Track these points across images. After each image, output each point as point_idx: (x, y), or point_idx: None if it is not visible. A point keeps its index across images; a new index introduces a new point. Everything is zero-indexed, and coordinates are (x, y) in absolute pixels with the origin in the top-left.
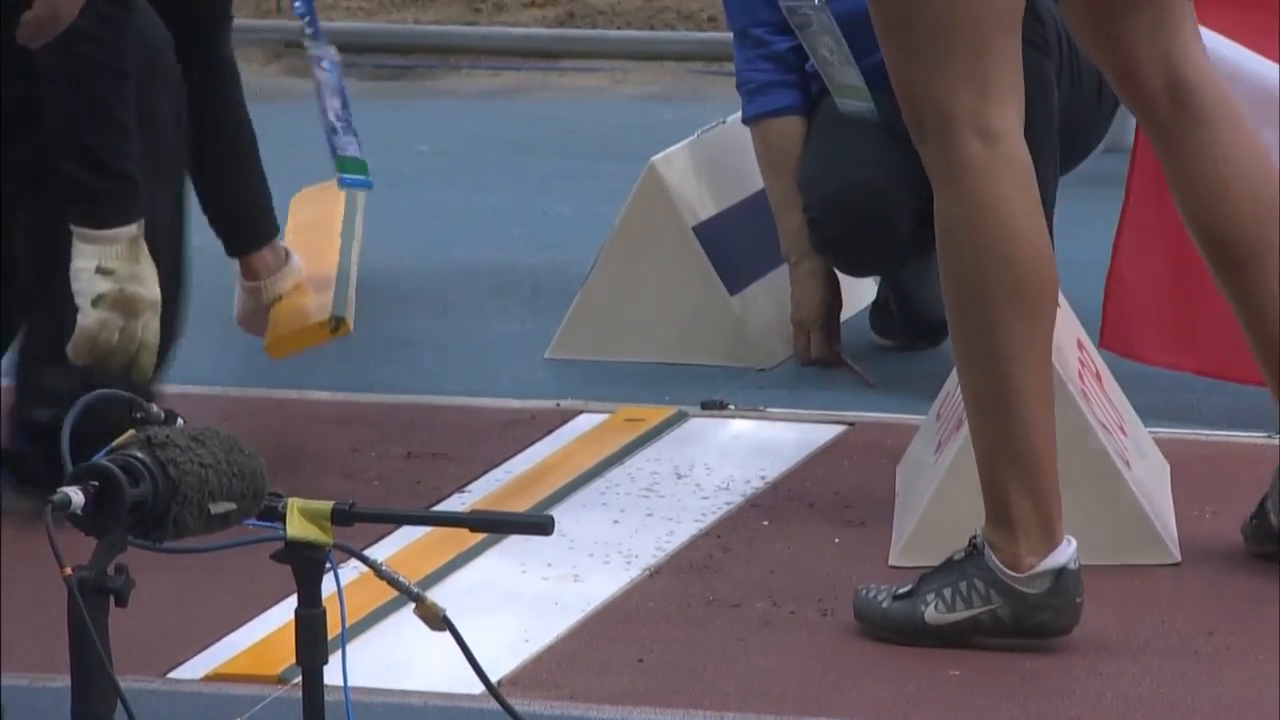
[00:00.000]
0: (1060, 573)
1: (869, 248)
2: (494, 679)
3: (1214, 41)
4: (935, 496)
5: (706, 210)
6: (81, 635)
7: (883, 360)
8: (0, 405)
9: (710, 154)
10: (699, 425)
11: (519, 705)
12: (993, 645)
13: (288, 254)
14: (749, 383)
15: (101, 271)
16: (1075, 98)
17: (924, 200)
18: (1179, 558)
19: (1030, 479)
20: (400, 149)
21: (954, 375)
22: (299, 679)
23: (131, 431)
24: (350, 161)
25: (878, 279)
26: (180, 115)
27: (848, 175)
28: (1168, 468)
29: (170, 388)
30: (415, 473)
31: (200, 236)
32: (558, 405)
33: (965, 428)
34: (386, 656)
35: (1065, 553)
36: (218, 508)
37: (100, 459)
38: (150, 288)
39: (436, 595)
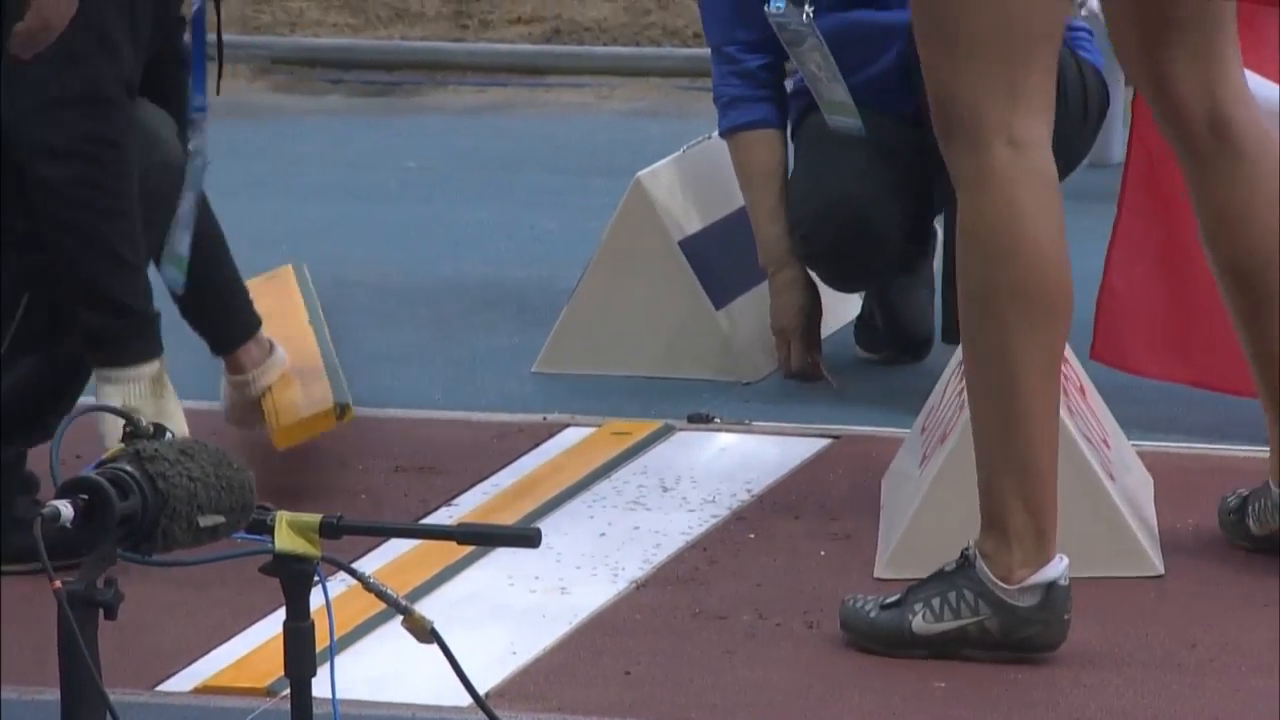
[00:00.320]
0: (1051, 587)
1: (858, 262)
2: (481, 691)
3: None
4: (920, 509)
5: (692, 225)
6: (71, 648)
7: (867, 374)
8: None
9: (696, 169)
10: (685, 439)
11: (506, 717)
12: (979, 657)
13: (271, 345)
14: (734, 396)
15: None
16: (1062, 114)
17: (911, 216)
18: (1162, 570)
19: (1030, 491)
20: (387, 165)
21: (939, 389)
22: (287, 691)
23: (120, 445)
24: (175, 258)
25: (863, 294)
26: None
27: (837, 190)
28: (1151, 480)
29: None
30: (403, 486)
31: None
32: (544, 419)
33: (950, 441)
34: (375, 669)
35: (1057, 568)
36: (206, 521)
37: (89, 472)
38: (177, 424)
39: (424, 608)
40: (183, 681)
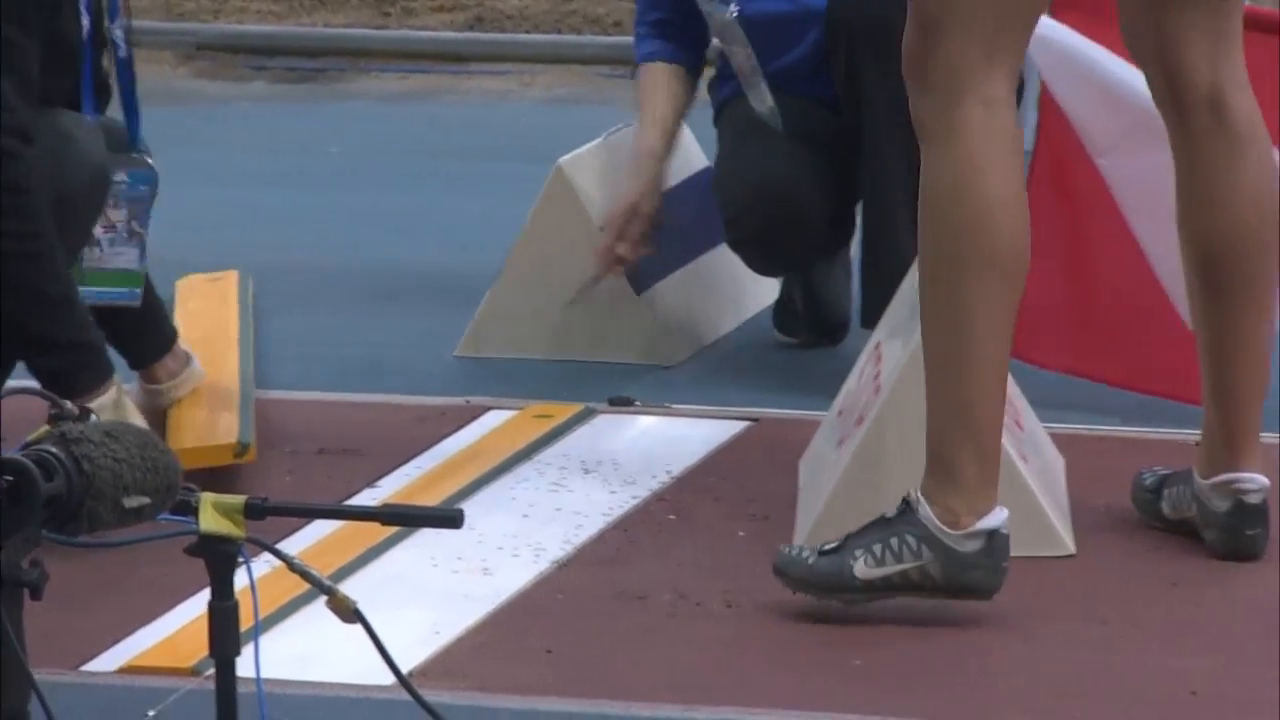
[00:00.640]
0: (993, 534)
1: (782, 246)
2: (405, 670)
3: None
4: (837, 490)
5: None
6: None
7: (785, 358)
8: None
9: (617, 155)
10: (606, 421)
11: (429, 696)
12: (929, 604)
13: (188, 358)
14: (655, 380)
15: None
16: None
17: (834, 201)
18: (1074, 549)
19: (979, 440)
20: (310, 151)
21: (855, 373)
22: (212, 671)
23: (46, 427)
24: (116, 274)
25: (781, 278)
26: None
27: (761, 173)
28: (1063, 461)
29: None
30: (326, 468)
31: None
32: (467, 402)
33: (866, 424)
34: (299, 648)
35: (999, 516)
36: (132, 502)
37: (14, 454)
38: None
39: (348, 588)
40: (108, 661)
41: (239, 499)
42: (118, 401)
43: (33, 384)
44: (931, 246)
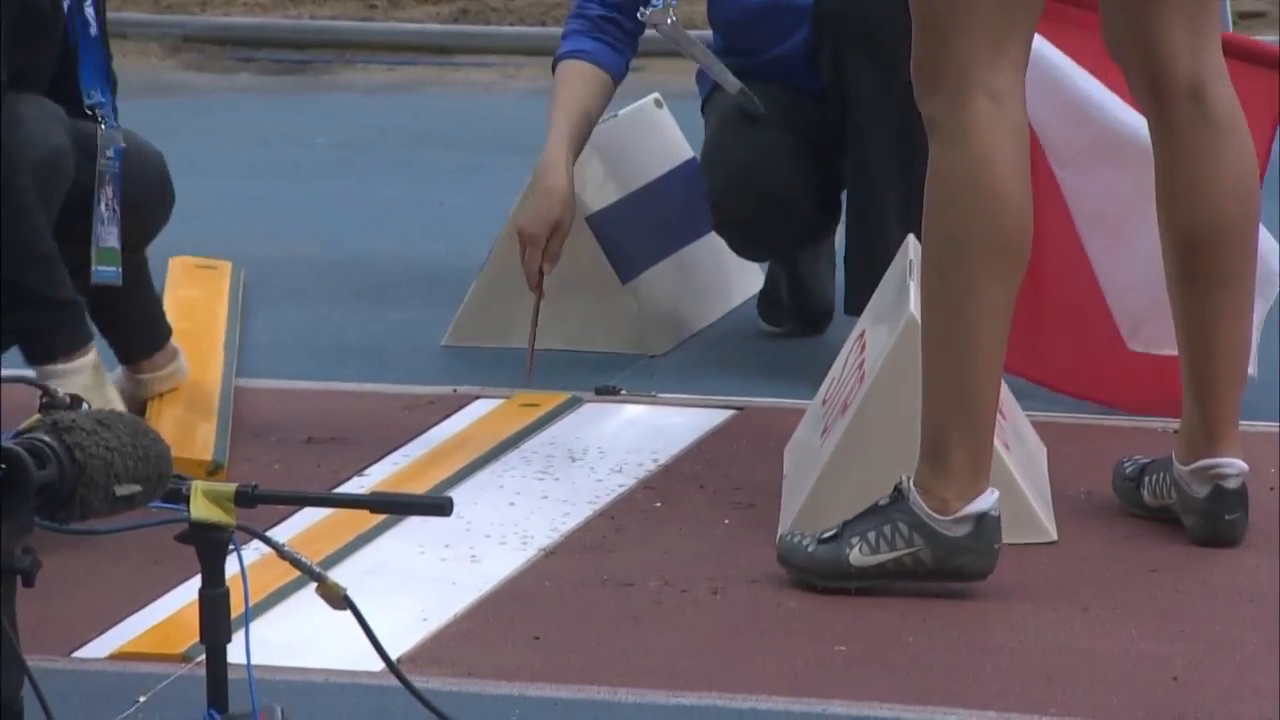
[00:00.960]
0: (982, 518)
1: (767, 231)
2: (394, 657)
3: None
4: (821, 478)
5: (599, 201)
6: None
7: (770, 347)
8: None
9: (603, 146)
10: (592, 410)
11: (418, 682)
12: (911, 588)
13: (175, 353)
14: (641, 369)
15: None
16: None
17: (820, 188)
18: (1056, 536)
19: (973, 428)
20: (297, 142)
21: (839, 362)
22: (203, 657)
23: (37, 416)
24: (107, 252)
25: (766, 269)
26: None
27: (748, 159)
28: (1045, 449)
29: None
30: (315, 457)
31: None
32: (454, 391)
33: (850, 413)
34: (289, 635)
35: (988, 500)
36: (123, 490)
37: (7, 442)
38: (119, 408)
39: (337, 575)
40: (99, 648)
41: (230, 487)
42: (96, 366)
43: (25, 372)
44: (937, 237)
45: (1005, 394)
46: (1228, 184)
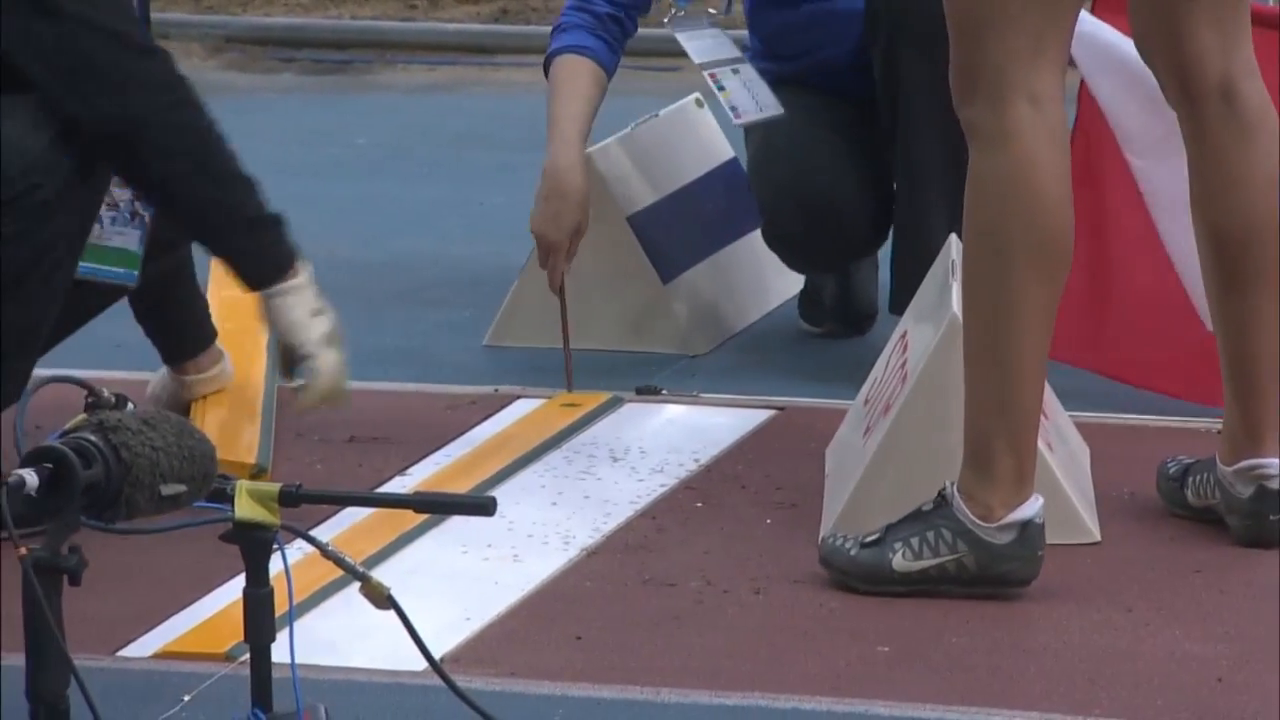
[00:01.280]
0: (1026, 525)
1: (824, 248)
2: (437, 656)
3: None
4: (863, 478)
5: (641, 201)
6: (36, 614)
7: (810, 347)
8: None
9: (644, 145)
10: (634, 410)
11: (461, 681)
12: (956, 593)
13: (220, 355)
14: (682, 369)
15: (316, 313)
16: None
17: (873, 205)
18: (1099, 537)
19: (1017, 434)
20: (338, 142)
21: (881, 362)
22: (247, 656)
23: (83, 415)
24: (114, 252)
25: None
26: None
27: (803, 177)
28: (1088, 450)
29: (121, 374)
30: (357, 456)
31: None
32: (496, 391)
33: (892, 413)
34: (332, 634)
35: (1033, 507)
36: (168, 489)
37: (53, 441)
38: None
39: (380, 575)
40: (143, 647)
41: (274, 486)
42: (313, 277)
43: (69, 373)
44: (979, 241)
45: (1048, 394)
46: (1260, 182)
